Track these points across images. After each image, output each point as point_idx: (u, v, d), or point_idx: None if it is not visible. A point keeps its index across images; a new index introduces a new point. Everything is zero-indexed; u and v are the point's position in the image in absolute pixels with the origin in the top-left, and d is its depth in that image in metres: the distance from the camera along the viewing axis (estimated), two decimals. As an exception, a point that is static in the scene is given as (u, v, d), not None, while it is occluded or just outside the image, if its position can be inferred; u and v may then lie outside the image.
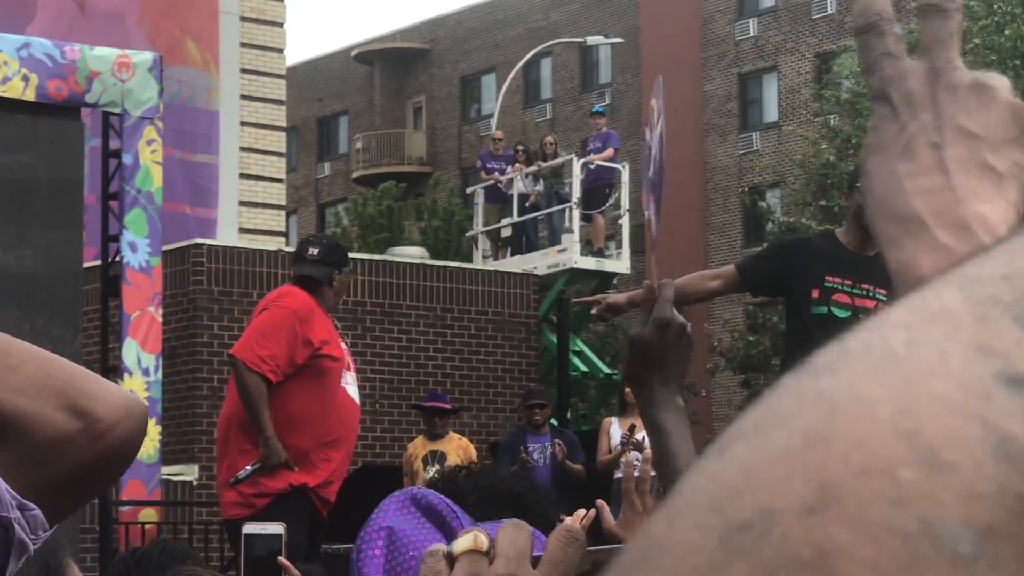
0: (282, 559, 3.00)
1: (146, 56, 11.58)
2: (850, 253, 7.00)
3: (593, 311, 7.18)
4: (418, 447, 12.96)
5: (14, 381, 1.63)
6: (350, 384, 7.82)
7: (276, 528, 3.04)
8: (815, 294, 6.95)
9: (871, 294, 6.92)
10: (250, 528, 3.04)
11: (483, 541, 1.17)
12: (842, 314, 6.88)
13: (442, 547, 1.19)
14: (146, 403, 1.74)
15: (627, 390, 13.39)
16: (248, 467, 7.61)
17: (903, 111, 0.92)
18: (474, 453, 13.03)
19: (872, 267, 6.98)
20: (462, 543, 1.17)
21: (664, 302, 2.46)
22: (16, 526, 1.58)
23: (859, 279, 6.91)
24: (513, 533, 1.16)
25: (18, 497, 1.60)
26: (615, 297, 7.22)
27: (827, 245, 7.14)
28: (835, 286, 6.94)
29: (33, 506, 1.61)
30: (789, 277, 7.05)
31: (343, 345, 7.86)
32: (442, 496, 1.88)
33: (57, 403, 1.63)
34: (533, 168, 20.93)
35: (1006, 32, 25.53)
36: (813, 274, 6.97)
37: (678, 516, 0.49)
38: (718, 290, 7.21)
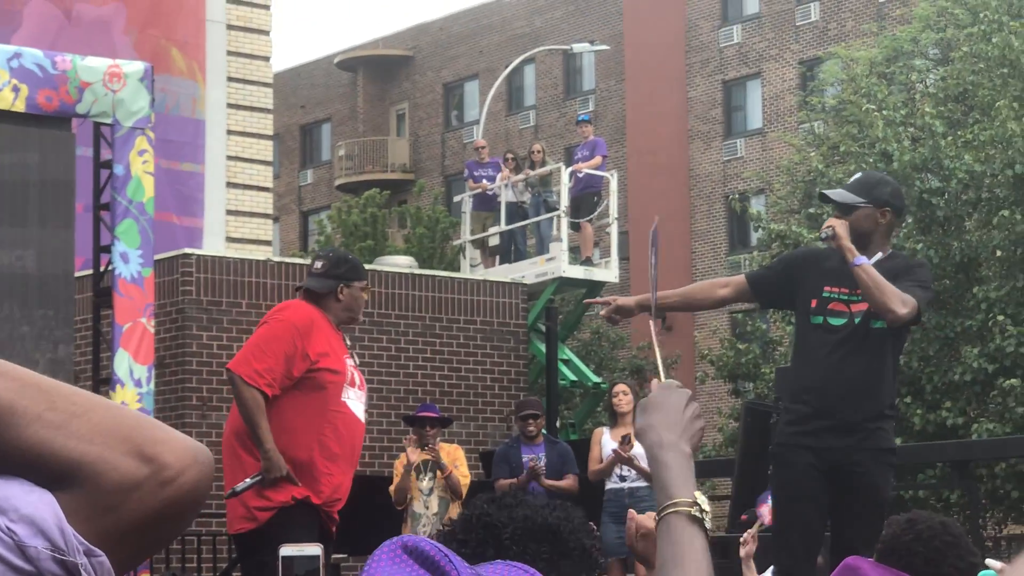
0: None
1: (137, 66, 11.54)
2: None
3: (602, 312, 7.32)
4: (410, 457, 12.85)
5: (81, 428, 1.63)
6: (353, 400, 7.73)
7: (314, 549, 3.03)
8: (813, 304, 7.10)
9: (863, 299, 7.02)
10: (288, 551, 3.03)
11: None
12: (837, 322, 7.03)
13: None
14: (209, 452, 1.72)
15: (613, 400, 13.36)
16: (247, 480, 7.57)
17: None
18: (462, 456, 12.99)
19: None
20: None
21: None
22: (83, 572, 1.58)
23: (855, 286, 7.00)
24: None
25: (85, 543, 1.59)
26: (624, 300, 7.34)
27: (828, 256, 7.24)
28: (832, 295, 7.09)
29: (100, 552, 1.60)
30: (794, 289, 7.20)
31: (349, 361, 7.75)
32: (434, 543, 1.85)
33: (124, 449, 1.63)
34: (521, 176, 20.98)
35: (993, 40, 25.48)
36: (813, 285, 7.12)
37: None
38: (727, 298, 7.39)
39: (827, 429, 6.97)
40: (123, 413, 1.68)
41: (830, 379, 6.97)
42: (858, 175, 7.51)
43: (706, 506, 2.48)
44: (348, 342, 7.91)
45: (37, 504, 1.60)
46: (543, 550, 2.49)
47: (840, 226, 6.94)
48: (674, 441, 2.57)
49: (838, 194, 7.28)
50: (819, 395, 6.97)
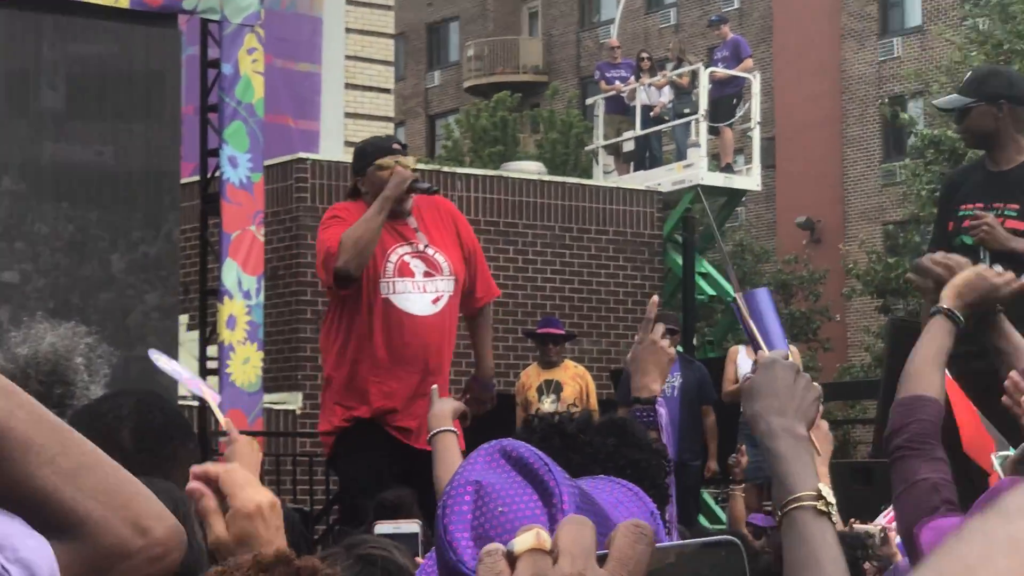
0: None
1: (246, -40, 11.51)
2: (988, 174, 6.90)
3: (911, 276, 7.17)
4: (531, 376, 12.98)
5: (89, 482, 1.72)
6: (405, 294, 7.63)
7: (411, 527, 3.05)
8: (950, 227, 6.88)
9: (1000, 212, 6.77)
10: (383, 527, 3.06)
11: (545, 539, 1.18)
12: (970, 240, 6.73)
13: (500, 546, 1.20)
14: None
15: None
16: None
17: None
18: (591, 382, 12.96)
19: (1004, 182, 6.85)
20: (523, 541, 1.18)
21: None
22: None
23: (992, 199, 6.80)
24: (577, 530, 1.16)
25: None
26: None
27: (971, 170, 7.06)
28: (967, 212, 6.83)
29: None
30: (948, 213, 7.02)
31: (401, 249, 7.69)
32: (534, 449, 1.84)
33: (123, 516, 1.73)
34: (658, 78, 20.74)
35: None
36: (953, 206, 6.91)
37: None
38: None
39: (970, 355, 6.79)
40: (124, 477, 1.77)
41: None
42: (968, 74, 7.21)
43: (831, 497, 2.41)
44: (415, 225, 7.80)
45: (36, 550, 1.68)
46: (609, 442, 2.52)
47: (993, 226, 6.63)
48: (786, 425, 2.48)
49: (947, 101, 7.07)
50: None
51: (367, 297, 7.55)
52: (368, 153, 7.79)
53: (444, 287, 7.64)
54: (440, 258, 7.66)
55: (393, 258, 7.61)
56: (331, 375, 7.74)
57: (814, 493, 2.39)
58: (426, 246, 7.64)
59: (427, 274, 7.62)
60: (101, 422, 3.05)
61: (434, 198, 7.92)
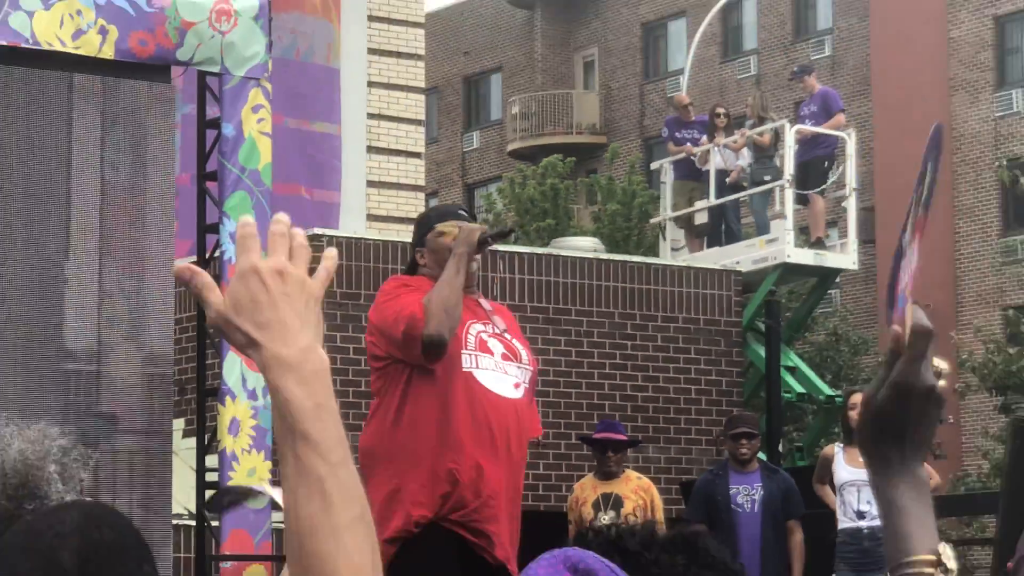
0: None
1: (251, 3, 11.16)
2: None
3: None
4: (587, 489, 13.14)
5: None
6: (489, 370, 7.77)
7: None
8: None
9: None
10: None
11: None
12: None
13: None
14: None
15: (850, 412, 13.06)
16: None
17: None
18: (657, 496, 13.11)
19: None
20: None
21: (913, 360, 2.36)
22: None
23: None
24: None
25: None
26: None
27: None
28: None
29: None
30: None
31: (479, 326, 7.84)
32: (605, 561, 1.89)
33: None
34: (735, 137, 20.51)
35: None
36: None
37: None
38: None
39: None
40: None
41: None
42: None
43: (952, 562, 2.34)
44: (487, 306, 8.01)
45: None
46: (678, 560, 2.52)
47: None
48: (909, 467, 2.35)
49: None
50: None
51: (445, 373, 7.65)
52: (430, 219, 8.08)
53: (521, 377, 7.82)
54: (517, 345, 7.87)
55: (472, 331, 7.80)
56: (410, 457, 7.66)
57: (933, 558, 2.31)
58: (504, 331, 7.86)
59: (505, 356, 7.80)
60: (40, 541, 3.00)
61: (501, 307, 8.23)
